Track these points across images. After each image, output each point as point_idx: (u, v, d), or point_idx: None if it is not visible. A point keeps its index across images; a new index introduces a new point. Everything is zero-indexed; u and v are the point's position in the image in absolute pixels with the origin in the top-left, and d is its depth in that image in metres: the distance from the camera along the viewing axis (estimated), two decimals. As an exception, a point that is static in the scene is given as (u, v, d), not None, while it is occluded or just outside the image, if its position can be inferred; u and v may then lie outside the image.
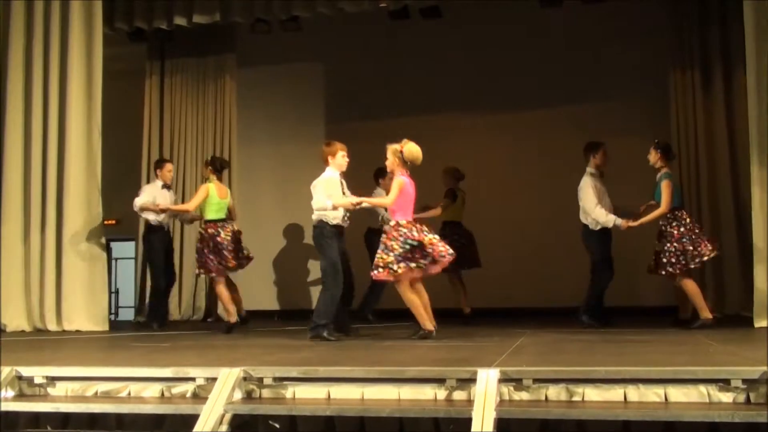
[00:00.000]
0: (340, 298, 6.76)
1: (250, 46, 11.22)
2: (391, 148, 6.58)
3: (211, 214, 8.02)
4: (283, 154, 11.43)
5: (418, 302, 6.48)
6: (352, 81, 11.37)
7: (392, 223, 6.51)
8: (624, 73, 10.38)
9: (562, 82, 10.54)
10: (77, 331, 8.41)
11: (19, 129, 8.90)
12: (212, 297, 10.76)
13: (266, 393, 4.23)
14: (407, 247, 6.36)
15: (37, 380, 4.52)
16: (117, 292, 13.39)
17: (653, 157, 7.47)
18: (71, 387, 4.51)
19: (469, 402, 3.84)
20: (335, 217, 6.72)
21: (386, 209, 7.16)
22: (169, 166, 9.30)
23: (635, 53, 10.30)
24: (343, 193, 6.82)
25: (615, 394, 3.86)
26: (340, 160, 6.85)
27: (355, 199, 6.70)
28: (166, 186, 9.10)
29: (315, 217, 6.74)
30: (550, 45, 10.65)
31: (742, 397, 3.73)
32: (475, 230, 8.88)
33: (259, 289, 11.39)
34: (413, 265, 6.38)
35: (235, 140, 11.12)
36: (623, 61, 10.38)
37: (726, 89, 9.53)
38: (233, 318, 8.00)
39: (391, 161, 6.58)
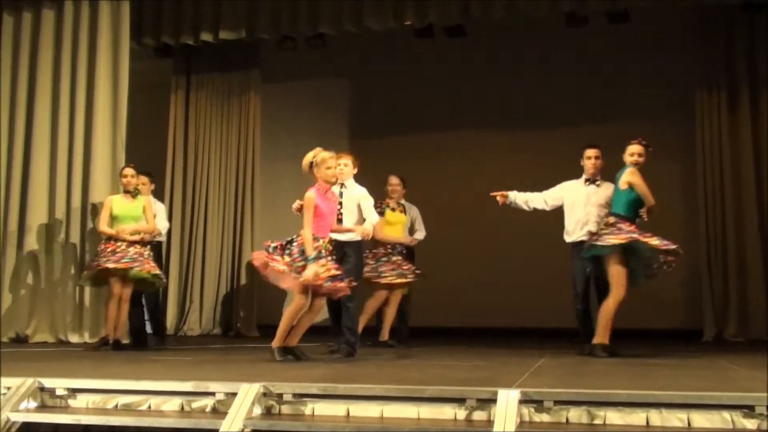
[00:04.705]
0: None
1: (275, 62, 11.27)
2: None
3: None
4: (306, 169, 11.44)
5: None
6: (376, 98, 11.41)
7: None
8: (649, 94, 10.34)
9: (588, 101, 10.52)
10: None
11: (45, 140, 9.07)
12: (233, 311, 10.78)
13: (285, 409, 4.22)
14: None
15: (59, 392, 4.55)
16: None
17: (644, 157, 6.83)
18: (92, 399, 4.52)
19: (489, 422, 3.81)
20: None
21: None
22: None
23: (661, 73, 10.26)
24: None
25: (637, 418, 3.81)
26: None
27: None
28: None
29: (361, 235, 6.33)
30: (576, 64, 10.65)
31: (766, 425, 3.68)
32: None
33: (278, 304, 11.38)
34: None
35: (259, 155, 11.15)
36: (648, 82, 10.35)
37: (753, 111, 9.48)
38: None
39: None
